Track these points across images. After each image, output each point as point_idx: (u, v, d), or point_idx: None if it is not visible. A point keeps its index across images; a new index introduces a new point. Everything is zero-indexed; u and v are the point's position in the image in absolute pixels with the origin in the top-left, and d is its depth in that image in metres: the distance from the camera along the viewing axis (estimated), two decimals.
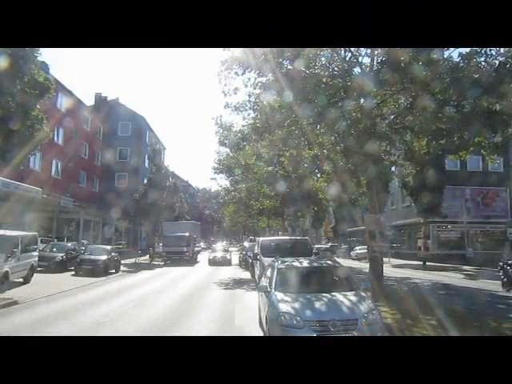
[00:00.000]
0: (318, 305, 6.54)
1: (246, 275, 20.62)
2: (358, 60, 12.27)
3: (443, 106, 10.51)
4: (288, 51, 10.81)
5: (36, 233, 16.97)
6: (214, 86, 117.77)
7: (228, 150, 27.08)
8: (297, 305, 6.47)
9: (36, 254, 16.17)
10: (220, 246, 40.18)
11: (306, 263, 8.41)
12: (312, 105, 11.33)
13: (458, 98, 10.37)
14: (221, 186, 37.77)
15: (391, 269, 24.23)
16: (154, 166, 39.43)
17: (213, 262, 29.45)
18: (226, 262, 29.44)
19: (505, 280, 14.82)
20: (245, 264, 25.38)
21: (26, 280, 14.75)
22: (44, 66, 16.88)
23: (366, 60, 12.40)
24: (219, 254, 31.22)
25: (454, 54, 10.92)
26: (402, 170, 17.90)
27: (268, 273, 8.43)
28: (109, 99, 43.40)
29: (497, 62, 10.22)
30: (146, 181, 39.31)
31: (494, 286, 16.72)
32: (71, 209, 27.52)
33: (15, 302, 10.83)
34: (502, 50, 9.95)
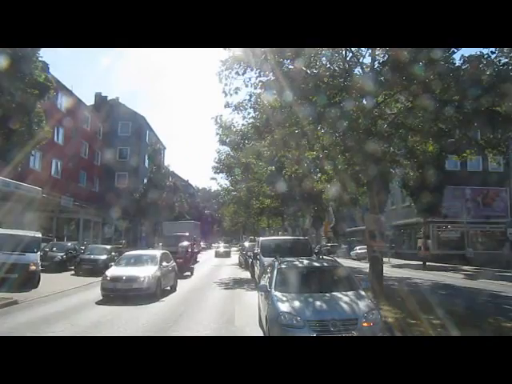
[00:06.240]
0: (317, 304, 6.53)
1: (246, 275, 20.61)
2: (358, 60, 12.27)
3: (444, 105, 10.50)
4: (288, 51, 10.80)
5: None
6: (214, 85, 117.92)
7: (228, 149, 27.12)
8: (297, 304, 6.46)
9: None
10: (222, 244, 53.00)
11: (306, 263, 8.41)
12: (312, 105, 11.32)
13: (458, 98, 10.36)
14: (221, 186, 37.82)
15: (391, 269, 24.23)
16: (153, 166, 39.48)
17: (218, 254, 41.46)
18: (226, 255, 41.43)
19: None
20: (245, 264, 25.38)
21: None
22: (44, 66, 16.89)
23: (367, 60, 12.42)
24: (222, 249, 43.66)
25: (455, 54, 10.92)
26: (402, 170, 17.93)
27: (268, 273, 8.43)
28: (109, 99, 43.42)
29: (497, 61, 10.23)
30: (145, 180, 39.35)
31: (494, 285, 16.73)
32: (71, 208, 27.53)
33: (15, 302, 10.83)
34: (504, 49, 9.96)
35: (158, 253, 14.05)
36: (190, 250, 22.52)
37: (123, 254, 15.13)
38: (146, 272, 12.20)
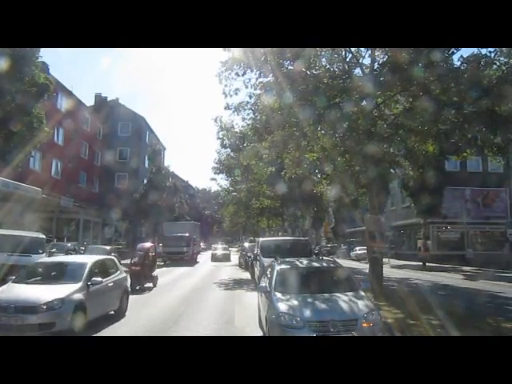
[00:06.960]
0: (317, 305, 6.53)
1: (246, 276, 20.59)
2: (358, 61, 12.29)
3: (443, 107, 10.52)
4: (288, 52, 10.82)
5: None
6: (214, 86, 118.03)
7: (228, 150, 27.15)
8: (296, 305, 6.46)
9: None
10: (220, 245, 44.94)
11: (305, 264, 8.40)
12: (312, 106, 11.34)
13: (458, 99, 10.37)
14: (221, 187, 37.84)
15: (391, 269, 24.21)
16: (153, 167, 39.47)
17: (215, 258, 35.61)
18: (225, 258, 35.45)
19: None
20: (245, 264, 25.37)
21: None
22: (44, 66, 16.90)
23: (367, 61, 12.44)
24: (220, 252, 37.55)
25: (455, 54, 10.94)
26: (402, 171, 17.98)
27: (268, 273, 8.42)
28: (109, 99, 43.43)
29: (497, 62, 10.25)
30: (145, 181, 39.34)
31: (494, 286, 16.71)
32: (71, 209, 27.52)
33: None
34: (503, 49, 9.98)
35: (87, 261, 8.79)
36: (152, 254, 16.58)
37: (38, 261, 10.04)
38: (54, 294, 7.16)
